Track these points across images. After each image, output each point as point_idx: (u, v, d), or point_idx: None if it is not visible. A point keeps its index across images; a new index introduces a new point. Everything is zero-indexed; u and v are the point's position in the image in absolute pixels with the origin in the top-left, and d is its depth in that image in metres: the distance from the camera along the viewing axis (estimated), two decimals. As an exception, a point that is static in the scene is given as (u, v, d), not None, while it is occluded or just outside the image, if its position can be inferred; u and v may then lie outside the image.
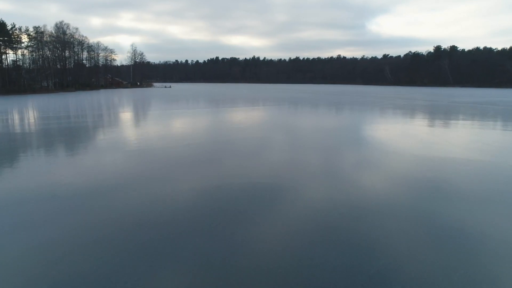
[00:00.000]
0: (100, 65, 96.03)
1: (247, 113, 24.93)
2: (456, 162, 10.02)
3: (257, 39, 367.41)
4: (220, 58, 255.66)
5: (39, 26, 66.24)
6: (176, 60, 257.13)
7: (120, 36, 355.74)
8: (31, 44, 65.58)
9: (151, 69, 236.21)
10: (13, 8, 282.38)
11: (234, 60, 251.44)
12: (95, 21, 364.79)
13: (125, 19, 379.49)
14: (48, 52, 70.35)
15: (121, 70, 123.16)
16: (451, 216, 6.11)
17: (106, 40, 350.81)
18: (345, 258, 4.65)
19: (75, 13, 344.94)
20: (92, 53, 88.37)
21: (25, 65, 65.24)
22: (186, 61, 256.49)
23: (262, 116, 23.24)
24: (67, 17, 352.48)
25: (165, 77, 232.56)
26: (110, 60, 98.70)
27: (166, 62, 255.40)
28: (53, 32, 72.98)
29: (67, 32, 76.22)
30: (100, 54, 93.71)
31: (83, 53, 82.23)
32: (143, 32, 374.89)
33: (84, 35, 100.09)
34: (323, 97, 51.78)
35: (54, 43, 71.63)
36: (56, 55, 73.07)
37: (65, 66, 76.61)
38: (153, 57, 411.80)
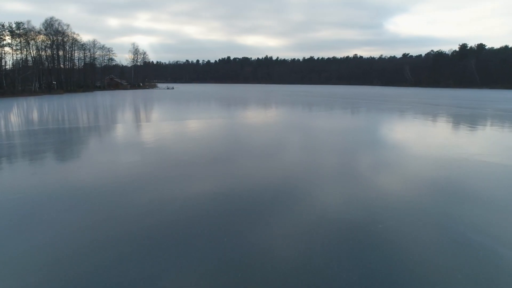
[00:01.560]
0: (97, 65, 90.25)
1: (242, 131, 17.47)
2: None
3: (273, 39, 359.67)
4: (232, 58, 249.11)
5: (21, 22, 60.30)
6: (187, 60, 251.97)
7: (137, 36, 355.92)
8: (14, 42, 59.80)
9: (161, 69, 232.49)
10: (32, 9, 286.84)
11: (246, 60, 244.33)
12: (113, 22, 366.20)
13: (142, 19, 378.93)
14: (34, 50, 64.50)
15: (125, 71, 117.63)
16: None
17: (123, 41, 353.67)
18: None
19: (93, 14, 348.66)
20: (87, 52, 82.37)
21: (5, 66, 59.26)
22: (197, 61, 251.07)
23: (255, 136, 15.83)
24: (85, 18, 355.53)
25: (175, 77, 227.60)
26: (108, 60, 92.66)
27: (177, 62, 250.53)
28: (42, 29, 67.08)
29: (59, 29, 70.27)
30: (97, 53, 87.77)
31: (74, 52, 76.06)
32: (159, 32, 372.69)
33: (76, 32, 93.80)
34: (339, 103, 43.77)
35: (42, 41, 65.75)
36: (43, 53, 67.17)
37: (55, 66, 70.70)
38: (169, 57, 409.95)
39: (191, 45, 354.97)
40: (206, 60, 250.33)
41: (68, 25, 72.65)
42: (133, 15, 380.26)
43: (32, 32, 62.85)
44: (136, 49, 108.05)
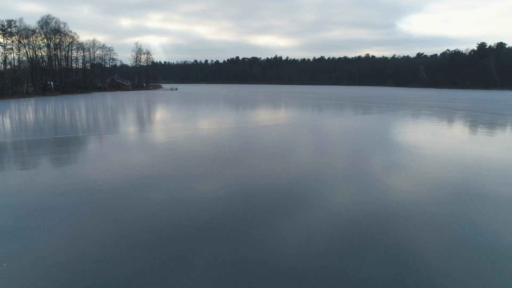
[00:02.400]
0: (104, 65, 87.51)
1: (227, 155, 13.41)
2: None
3: (284, 39, 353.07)
4: (240, 58, 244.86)
5: (13, 20, 57.27)
6: (195, 60, 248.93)
7: (149, 37, 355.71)
8: (5, 41, 56.77)
9: (169, 69, 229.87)
10: (47, 10, 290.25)
11: (255, 60, 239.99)
12: (125, 22, 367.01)
13: (154, 20, 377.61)
14: (29, 50, 61.49)
15: (131, 71, 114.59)
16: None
17: (135, 41, 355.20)
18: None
19: (106, 14, 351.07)
20: (87, 52, 79.28)
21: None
22: (206, 61, 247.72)
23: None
24: (98, 18, 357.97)
25: (183, 77, 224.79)
26: (109, 60, 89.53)
27: (185, 62, 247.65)
28: (38, 27, 64.07)
29: (56, 27, 67.20)
30: (98, 53, 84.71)
31: (72, 52, 72.84)
32: (171, 32, 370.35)
33: (73, 31, 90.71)
34: (351, 108, 39.35)
35: (36, 40, 62.76)
36: (38, 53, 64.20)
37: (52, 67, 67.74)
38: (180, 58, 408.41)
39: (202, 45, 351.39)
40: (215, 60, 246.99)
41: (65, 23, 69.68)
42: (145, 16, 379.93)
43: (25, 31, 59.84)
44: (139, 48, 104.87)
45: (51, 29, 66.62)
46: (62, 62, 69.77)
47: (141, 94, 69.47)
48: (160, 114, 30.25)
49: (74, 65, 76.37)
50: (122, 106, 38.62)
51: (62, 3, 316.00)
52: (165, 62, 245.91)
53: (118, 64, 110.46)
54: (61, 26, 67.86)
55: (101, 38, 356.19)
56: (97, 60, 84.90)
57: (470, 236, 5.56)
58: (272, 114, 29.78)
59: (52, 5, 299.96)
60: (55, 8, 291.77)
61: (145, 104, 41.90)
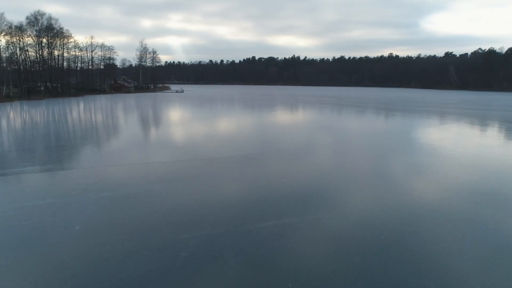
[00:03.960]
0: (96, 66, 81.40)
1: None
2: None
3: (304, 39, 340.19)
4: (257, 58, 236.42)
5: (-7, 15, 51.06)
6: (210, 60, 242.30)
7: (170, 37, 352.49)
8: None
9: (183, 70, 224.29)
10: (71, 11, 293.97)
11: (271, 60, 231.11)
12: (146, 23, 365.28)
13: (174, 20, 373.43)
14: (11, 48, 55.36)
15: (141, 72, 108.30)
16: None
17: (155, 42, 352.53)
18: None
19: (127, 15, 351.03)
20: (84, 52, 73.06)
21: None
22: (222, 61, 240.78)
23: None
24: (120, 19, 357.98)
25: (197, 78, 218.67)
26: (109, 59, 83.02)
27: (200, 62, 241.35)
28: (24, 24, 57.96)
29: (46, 24, 60.99)
30: (98, 53, 78.47)
31: (66, 50, 66.45)
32: (191, 33, 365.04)
33: (66, 29, 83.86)
34: (376, 116, 30.77)
35: (21, 38, 56.56)
36: (25, 52, 58.05)
37: (44, 67, 61.60)
38: (200, 58, 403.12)
39: (222, 45, 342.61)
40: (231, 60, 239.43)
41: (56, 20, 63.18)
42: (166, 16, 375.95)
43: (7, 27, 53.69)
44: (144, 48, 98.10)
45: (42, 26, 60.50)
46: (53, 62, 63.51)
47: (138, 97, 62.50)
48: (108, 133, 22.60)
49: (71, 65, 70.35)
50: (83, 117, 31.23)
51: (85, 4, 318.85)
52: (178, 62, 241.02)
53: (123, 64, 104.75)
54: (53, 22, 61.66)
55: (123, 39, 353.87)
56: (96, 61, 78.75)
57: None
58: (276, 136, 21.64)
59: (76, 7, 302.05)
60: (79, 9, 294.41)
61: (115, 115, 34.49)
